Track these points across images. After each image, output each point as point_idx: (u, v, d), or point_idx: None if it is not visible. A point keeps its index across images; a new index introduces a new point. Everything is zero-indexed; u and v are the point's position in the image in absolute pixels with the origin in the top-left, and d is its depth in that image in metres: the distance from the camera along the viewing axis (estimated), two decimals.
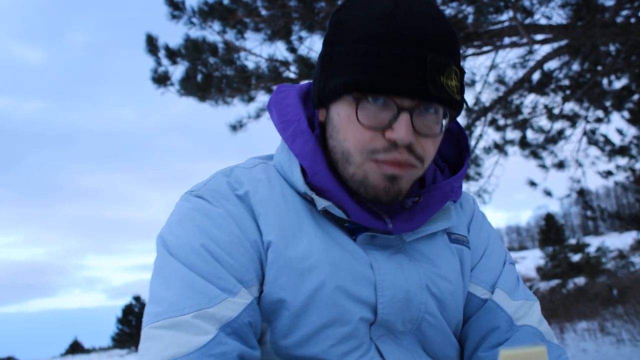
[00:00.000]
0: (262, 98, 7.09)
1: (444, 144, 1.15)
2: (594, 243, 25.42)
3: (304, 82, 1.17)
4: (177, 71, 6.73)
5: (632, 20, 6.22)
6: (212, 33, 6.39)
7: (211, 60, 6.48)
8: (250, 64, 6.56)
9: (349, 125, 0.94)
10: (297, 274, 0.94)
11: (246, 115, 7.25)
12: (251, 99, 6.99)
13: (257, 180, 1.02)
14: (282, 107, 1.05)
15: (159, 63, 6.49)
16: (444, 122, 0.95)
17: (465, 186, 7.58)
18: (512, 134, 8.71)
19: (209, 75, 6.56)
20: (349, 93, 0.92)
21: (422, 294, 1.00)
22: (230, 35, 6.38)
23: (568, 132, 8.74)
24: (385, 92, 0.89)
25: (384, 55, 0.88)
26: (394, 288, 0.98)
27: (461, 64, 0.95)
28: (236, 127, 7.24)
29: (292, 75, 6.50)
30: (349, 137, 0.95)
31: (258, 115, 7.23)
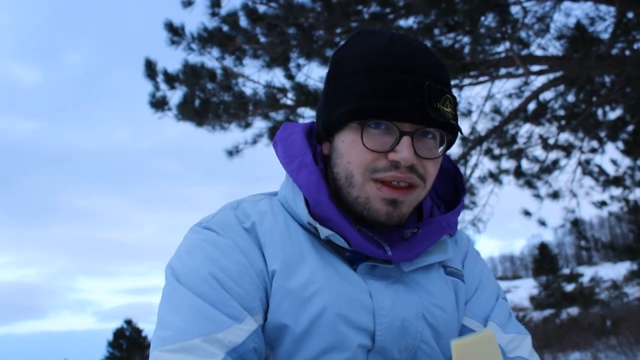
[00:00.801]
0: (259, 124, 7.15)
1: (440, 182, 1.21)
2: (587, 273, 25.52)
3: (307, 121, 1.19)
4: (175, 96, 6.69)
5: (627, 52, 6.35)
6: (210, 59, 6.49)
7: (209, 85, 6.53)
8: (248, 90, 6.62)
9: (353, 149, 0.99)
10: (299, 301, 0.96)
11: (242, 141, 7.29)
12: (248, 125, 7.02)
13: (262, 213, 1.05)
14: (287, 142, 1.09)
15: (157, 87, 6.53)
16: (442, 147, 1.01)
17: (460, 215, 7.53)
18: (507, 164, 8.80)
19: (206, 101, 6.58)
20: (353, 120, 0.97)
21: (418, 322, 1.03)
22: (228, 61, 6.48)
23: (563, 162, 8.86)
24: (388, 117, 0.94)
25: (385, 82, 0.95)
26: (392, 316, 1.00)
27: (454, 94, 1.02)
28: (232, 152, 7.27)
29: (289, 102, 6.51)
30: (352, 159, 1.00)
31: (254, 142, 7.25)
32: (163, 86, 6.54)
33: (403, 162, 0.96)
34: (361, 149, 0.99)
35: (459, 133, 1.03)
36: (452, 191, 1.20)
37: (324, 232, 1.00)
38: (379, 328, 0.99)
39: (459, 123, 1.02)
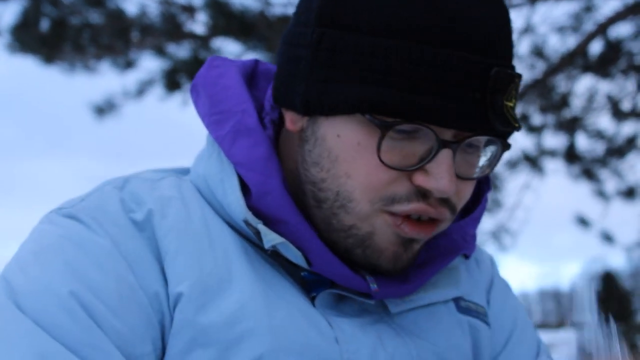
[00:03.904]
0: (149, 64, 5.92)
1: None
2: None
3: (248, 59, 0.96)
4: (7, 12, 5.61)
5: None
6: None
7: None
8: (130, 7, 5.47)
9: (359, 158, 0.81)
10: (222, 347, 0.80)
11: (120, 92, 5.98)
12: (130, 65, 5.78)
13: (166, 199, 0.86)
14: (216, 89, 0.90)
15: None
16: (489, 159, 0.86)
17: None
18: (553, 140, 7.05)
19: (60, 22, 5.38)
20: (367, 113, 0.78)
21: None
22: None
23: None
24: (428, 119, 0.76)
25: (433, 62, 0.76)
26: None
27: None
28: (103, 109, 5.99)
29: (198, 30, 5.49)
30: (355, 174, 0.81)
31: (141, 92, 5.97)
32: None
33: (438, 192, 0.79)
34: (374, 162, 0.79)
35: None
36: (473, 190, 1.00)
37: (271, 238, 0.82)
38: None
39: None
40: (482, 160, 0.85)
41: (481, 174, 0.85)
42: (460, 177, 0.81)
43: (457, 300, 0.98)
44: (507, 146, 0.84)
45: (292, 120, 0.87)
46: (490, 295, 1.05)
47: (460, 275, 0.98)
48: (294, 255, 0.85)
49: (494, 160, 0.85)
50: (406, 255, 0.85)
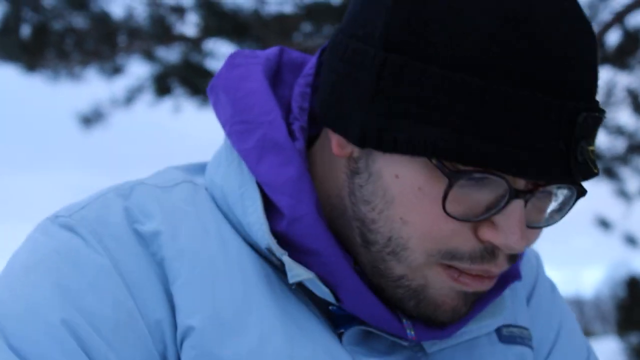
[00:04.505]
0: (138, 70, 5.84)
1: None
2: None
3: (272, 49, 0.89)
4: None
5: None
6: None
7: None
8: (116, 10, 5.46)
9: (418, 205, 0.76)
10: None
11: (108, 99, 5.92)
12: (118, 71, 5.75)
13: (178, 214, 0.81)
14: (238, 94, 0.84)
15: None
16: (561, 203, 0.79)
17: None
18: None
19: (41, 28, 5.41)
20: (435, 158, 0.73)
21: None
22: None
23: None
24: (505, 168, 0.71)
25: (511, 105, 0.71)
26: None
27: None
28: (91, 119, 5.93)
29: (188, 32, 5.49)
30: (413, 221, 0.76)
31: (129, 100, 5.91)
32: None
33: (507, 249, 0.74)
34: (436, 212, 0.74)
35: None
36: None
37: (297, 273, 0.77)
38: None
39: None
40: (553, 206, 0.79)
41: (551, 222, 0.80)
42: (531, 226, 0.76)
43: (499, 329, 0.92)
44: (583, 193, 0.78)
45: (340, 145, 0.80)
46: (531, 298, 1.00)
47: (505, 301, 0.92)
48: (322, 292, 0.80)
49: (565, 207, 0.79)
50: (465, 308, 0.81)
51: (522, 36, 0.71)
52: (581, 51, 0.74)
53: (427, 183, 0.74)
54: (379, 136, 0.76)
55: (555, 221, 0.80)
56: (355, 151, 0.79)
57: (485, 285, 0.78)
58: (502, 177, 0.72)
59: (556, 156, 0.71)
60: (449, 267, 0.77)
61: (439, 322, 0.81)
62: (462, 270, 0.77)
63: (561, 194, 0.79)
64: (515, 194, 0.72)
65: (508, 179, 0.71)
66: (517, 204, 0.72)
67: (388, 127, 0.75)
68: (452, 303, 0.79)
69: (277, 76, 0.90)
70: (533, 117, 0.70)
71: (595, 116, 0.72)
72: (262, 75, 0.86)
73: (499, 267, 0.77)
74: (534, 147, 0.71)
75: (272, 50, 0.90)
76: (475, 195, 0.74)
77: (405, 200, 0.76)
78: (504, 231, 0.72)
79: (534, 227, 0.77)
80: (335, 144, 0.80)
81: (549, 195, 0.77)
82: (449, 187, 0.72)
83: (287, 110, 0.87)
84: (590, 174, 0.75)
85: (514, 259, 0.78)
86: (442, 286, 0.78)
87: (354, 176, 0.80)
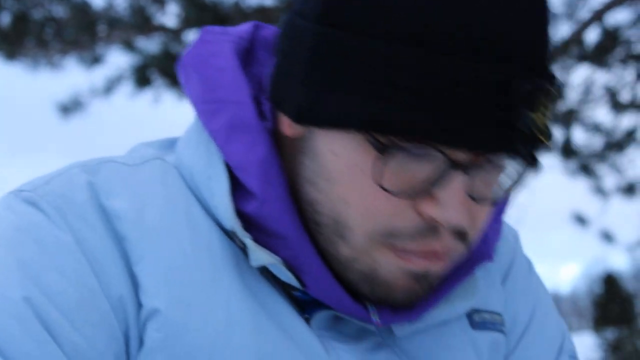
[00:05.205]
0: (117, 59, 5.87)
1: None
2: None
3: (246, 25, 0.86)
4: None
5: None
6: None
7: None
8: (96, 0, 5.50)
9: (356, 181, 0.75)
10: None
11: (88, 89, 5.93)
12: (97, 60, 5.78)
13: (146, 195, 0.79)
14: (208, 71, 0.82)
15: None
16: (513, 176, 0.79)
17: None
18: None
19: (21, 17, 5.47)
20: (367, 131, 0.72)
21: None
22: None
23: None
24: (437, 139, 0.70)
25: (443, 74, 0.70)
26: None
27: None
28: (70, 108, 5.95)
29: (169, 23, 5.53)
30: (352, 200, 0.75)
31: (108, 89, 5.91)
32: None
33: (448, 224, 0.72)
34: (372, 188, 0.72)
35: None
36: None
37: (261, 258, 0.77)
38: None
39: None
40: (503, 180, 0.78)
41: (500, 196, 0.78)
42: (477, 199, 0.75)
43: (470, 314, 0.90)
44: (533, 164, 0.76)
45: (289, 125, 0.80)
46: (507, 280, 0.97)
47: (478, 283, 0.89)
48: (286, 276, 0.79)
49: (515, 181, 0.78)
50: (422, 289, 0.79)
51: (452, 4, 0.71)
52: (519, 16, 0.73)
53: (363, 159, 0.73)
54: (313, 111, 0.76)
55: (504, 196, 0.80)
56: (301, 130, 0.79)
57: (436, 266, 0.77)
58: (438, 150, 0.71)
59: (492, 124, 0.70)
60: (395, 249, 0.76)
61: (397, 304, 0.80)
62: (408, 250, 0.76)
63: (512, 167, 0.78)
64: (453, 165, 0.71)
65: (445, 151, 0.71)
66: (457, 177, 0.71)
67: (321, 101, 0.74)
68: (405, 284, 0.78)
69: (250, 54, 0.89)
70: (465, 85, 0.70)
71: (533, 82, 0.71)
72: (233, 52, 0.85)
73: (444, 245, 0.75)
74: (467, 115, 0.70)
75: (246, 27, 0.89)
76: (413, 169, 0.73)
77: (345, 179, 0.76)
78: (443, 204, 0.72)
79: (483, 202, 0.76)
80: (286, 124, 0.80)
81: (497, 169, 0.76)
82: (384, 162, 0.71)
83: (259, 89, 0.86)
84: (538, 145, 0.74)
85: (463, 237, 0.76)
86: (390, 268, 0.77)
87: (299, 155, 0.80)
